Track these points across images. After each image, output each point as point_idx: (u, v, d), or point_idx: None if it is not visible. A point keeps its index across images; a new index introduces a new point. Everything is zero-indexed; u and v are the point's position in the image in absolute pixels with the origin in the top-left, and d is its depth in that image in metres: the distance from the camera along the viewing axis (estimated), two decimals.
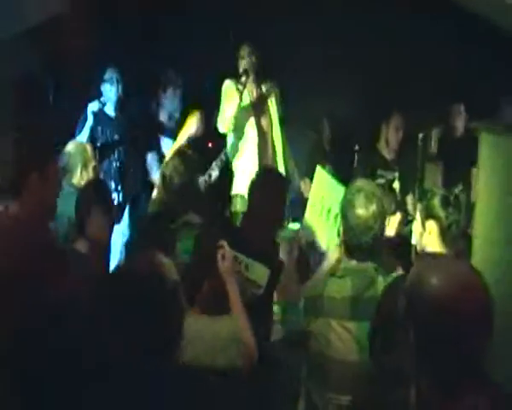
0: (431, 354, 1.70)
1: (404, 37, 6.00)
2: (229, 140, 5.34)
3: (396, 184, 5.47)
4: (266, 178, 3.76)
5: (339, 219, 3.14)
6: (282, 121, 5.36)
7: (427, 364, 1.71)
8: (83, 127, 5.46)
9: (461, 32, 5.56)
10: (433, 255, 3.17)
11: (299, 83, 6.09)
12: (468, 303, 1.65)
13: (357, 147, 5.85)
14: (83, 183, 4.18)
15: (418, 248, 3.39)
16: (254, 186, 3.66)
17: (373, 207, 2.80)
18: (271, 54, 5.47)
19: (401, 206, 5.10)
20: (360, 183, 2.98)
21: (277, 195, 3.65)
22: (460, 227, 3.33)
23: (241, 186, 5.07)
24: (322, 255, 3.62)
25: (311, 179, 4.27)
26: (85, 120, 5.48)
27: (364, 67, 6.15)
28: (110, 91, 5.52)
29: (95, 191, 3.72)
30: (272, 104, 5.30)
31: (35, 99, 5.78)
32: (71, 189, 4.07)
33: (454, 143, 5.77)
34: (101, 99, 5.55)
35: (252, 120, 5.25)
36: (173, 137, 5.51)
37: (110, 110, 5.60)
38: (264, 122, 5.29)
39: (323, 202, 3.95)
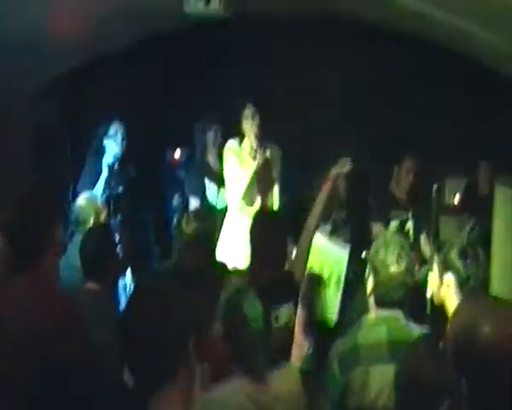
0: (483, 402, 1.70)
1: (423, 89, 6.11)
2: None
3: (409, 225, 5.44)
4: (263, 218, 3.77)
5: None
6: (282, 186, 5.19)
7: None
8: (97, 180, 5.51)
9: (478, 85, 5.63)
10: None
11: (312, 136, 6.17)
12: None
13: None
14: None
15: (435, 300, 3.37)
16: (254, 229, 3.65)
17: (404, 263, 2.89)
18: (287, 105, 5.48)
19: (414, 247, 5.06)
20: (389, 237, 3.10)
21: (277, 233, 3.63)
22: (479, 280, 3.30)
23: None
24: None
25: None
26: (99, 173, 5.53)
27: (380, 119, 6.27)
28: (116, 146, 5.58)
29: (100, 234, 3.74)
30: (275, 167, 5.07)
31: (54, 151, 5.91)
32: None
33: (479, 196, 5.78)
34: (116, 153, 5.60)
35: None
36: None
37: (122, 164, 5.68)
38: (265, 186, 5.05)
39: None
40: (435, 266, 3.40)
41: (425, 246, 5.43)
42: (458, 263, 3.27)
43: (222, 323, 2.75)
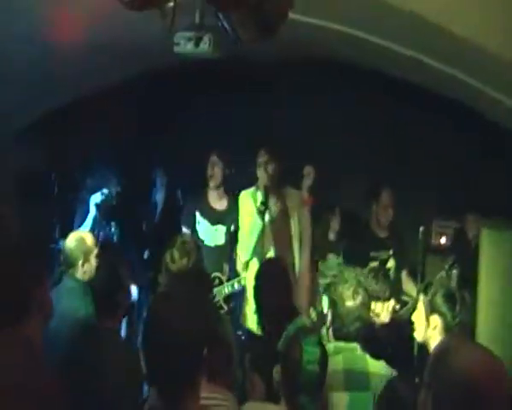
0: None
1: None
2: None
3: (391, 263, 5.46)
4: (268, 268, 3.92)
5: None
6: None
7: None
8: (85, 219, 5.56)
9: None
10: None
11: None
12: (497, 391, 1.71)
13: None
14: (86, 276, 4.17)
15: (419, 339, 3.41)
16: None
17: (360, 298, 3.11)
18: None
19: (395, 285, 5.08)
20: (347, 273, 3.25)
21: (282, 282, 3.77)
22: (464, 324, 3.35)
23: None
24: None
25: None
26: (87, 211, 5.58)
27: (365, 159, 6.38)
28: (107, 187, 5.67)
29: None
30: (294, 219, 4.92)
31: (40, 191, 5.91)
32: (74, 283, 4.09)
33: (466, 240, 5.83)
34: (104, 191, 5.64)
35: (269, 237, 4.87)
36: None
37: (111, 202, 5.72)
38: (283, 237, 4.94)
39: None
40: (421, 307, 3.45)
41: (407, 284, 5.45)
42: (444, 307, 3.33)
43: (280, 356, 2.87)
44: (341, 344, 3.12)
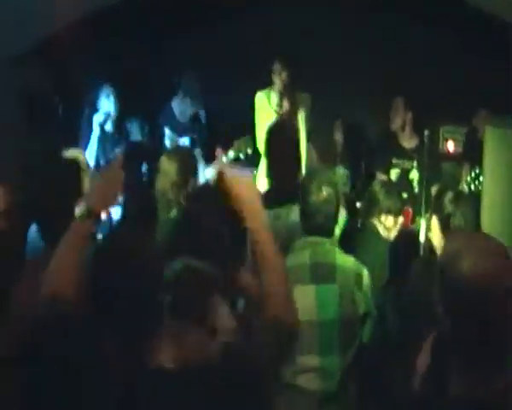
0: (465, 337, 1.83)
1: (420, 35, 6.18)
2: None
3: (414, 174, 5.54)
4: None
5: None
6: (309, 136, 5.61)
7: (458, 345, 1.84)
8: (89, 139, 5.64)
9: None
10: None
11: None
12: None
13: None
14: None
15: (424, 244, 3.51)
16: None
17: (325, 193, 3.20)
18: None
19: (417, 198, 5.17)
20: (315, 171, 3.59)
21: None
22: (466, 220, 3.41)
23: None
24: None
25: None
26: (90, 132, 5.66)
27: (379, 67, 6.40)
28: (108, 106, 5.71)
29: None
30: (302, 118, 5.52)
31: (44, 112, 5.98)
32: None
33: (477, 143, 5.84)
34: (105, 111, 5.71)
35: None
36: None
37: (109, 125, 5.81)
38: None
39: None
40: (428, 213, 3.53)
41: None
42: (450, 209, 3.40)
43: None
44: (310, 238, 3.23)
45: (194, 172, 4.39)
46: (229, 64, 6.60)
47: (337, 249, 3.25)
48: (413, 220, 4.98)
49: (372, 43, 6.41)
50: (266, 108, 5.50)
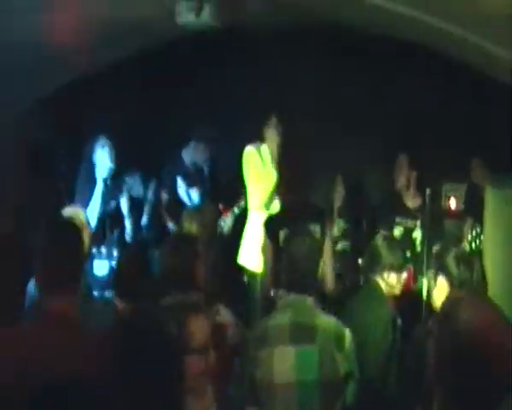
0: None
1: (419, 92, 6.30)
2: None
3: (417, 233, 5.56)
4: None
5: None
6: None
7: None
8: (91, 194, 5.64)
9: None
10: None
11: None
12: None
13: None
14: None
15: (430, 302, 3.51)
16: None
17: (304, 249, 3.22)
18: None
19: (419, 257, 5.15)
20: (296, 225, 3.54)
21: None
22: (472, 286, 3.41)
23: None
24: None
25: None
26: (93, 187, 5.67)
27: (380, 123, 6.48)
28: (104, 159, 5.71)
29: None
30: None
31: (49, 165, 6.05)
32: None
33: (478, 198, 5.88)
34: (109, 167, 5.72)
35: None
36: None
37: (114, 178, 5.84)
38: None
39: None
40: (430, 270, 3.54)
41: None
42: (453, 269, 3.41)
43: None
44: (290, 297, 3.21)
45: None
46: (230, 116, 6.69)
47: (318, 309, 3.21)
48: (415, 279, 4.98)
49: (373, 98, 6.50)
50: (258, 164, 5.42)
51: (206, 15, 4.78)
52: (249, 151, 5.45)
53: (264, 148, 5.41)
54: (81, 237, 2.93)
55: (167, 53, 6.23)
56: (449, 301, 2.07)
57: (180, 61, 6.52)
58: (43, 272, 2.74)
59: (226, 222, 5.98)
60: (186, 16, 4.74)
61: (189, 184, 6.21)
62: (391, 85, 6.33)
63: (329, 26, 5.41)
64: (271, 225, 4.72)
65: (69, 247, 2.78)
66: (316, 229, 4.37)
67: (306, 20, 5.51)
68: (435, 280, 3.51)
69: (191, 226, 4.45)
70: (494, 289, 3.57)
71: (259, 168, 5.38)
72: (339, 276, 5.50)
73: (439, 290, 3.46)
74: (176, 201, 6.22)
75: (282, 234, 4.43)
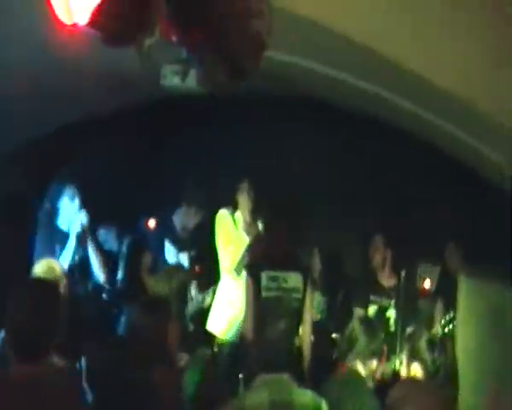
0: None
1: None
2: None
3: (391, 313, 5.56)
4: None
5: None
6: None
7: None
8: (63, 247, 5.53)
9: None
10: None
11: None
12: None
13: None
14: None
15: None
16: None
17: (281, 327, 3.33)
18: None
19: (393, 337, 5.14)
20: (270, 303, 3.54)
21: None
22: (447, 373, 3.37)
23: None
24: None
25: None
26: (64, 239, 5.56)
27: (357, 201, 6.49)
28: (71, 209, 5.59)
29: None
30: None
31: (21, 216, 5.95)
32: None
33: (451, 281, 5.86)
34: (82, 222, 5.58)
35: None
36: None
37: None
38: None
39: None
40: (403, 356, 3.49)
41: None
42: (426, 354, 3.37)
43: None
44: (268, 376, 3.24)
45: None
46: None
47: (294, 385, 3.24)
48: (388, 359, 4.92)
49: (352, 177, 6.55)
50: (230, 228, 5.50)
51: (192, 80, 4.79)
52: (222, 214, 5.57)
53: (238, 213, 5.51)
54: (58, 295, 2.87)
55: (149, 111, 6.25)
56: (397, 390, 2.05)
57: (161, 119, 6.54)
58: (13, 338, 2.66)
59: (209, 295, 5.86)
60: (171, 79, 4.74)
61: (179, 250, 6.14)
62: (369, 166, 6.41)
63: (310, 99, 5.47)
64: (254, 268, 4.76)
65: (44, 311, 2.71)
66: (298, 279, 4.47)
67: (290, 90, 5.57)
68: (409, 367, 3.46)
69: (158, 287, 4.38)
70: (467, 377, 3.53)
71: (231, 232, 5.45)
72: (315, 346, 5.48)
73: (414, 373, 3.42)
74: (159, 262, 6.15)
75: (263, 277, 4.51)
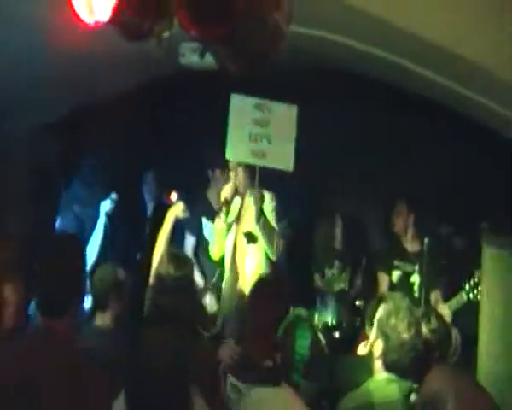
0: None
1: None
2: None
3: (415, 278, 5.52)
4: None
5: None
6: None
7: None
8: (94, 226, 5.66)
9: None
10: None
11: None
12: None
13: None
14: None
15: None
16: None
17: (413, 329, 3.03)
18: None
19: (416, 303, 5.12)
20: (398, 302, 3.16)
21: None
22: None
23: None
24: None
25: None
26: (96, 218, 5.68)
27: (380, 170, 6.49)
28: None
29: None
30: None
31: (47, 191, 6.05)
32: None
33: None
34: (113, 198, 5.73)
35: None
36: None
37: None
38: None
39: None
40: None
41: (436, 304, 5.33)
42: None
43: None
44: (394, 377, 3.06)
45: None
46: None
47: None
48: None
49: (374, 142, 6.54)
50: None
51: (210, 58, 4.80)
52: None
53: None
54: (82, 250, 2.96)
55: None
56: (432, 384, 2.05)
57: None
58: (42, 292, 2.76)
59: None
60: (189, 58, 4.77)
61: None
62: (392, 132, 6.38)
63: (333, 71, 5.43)
64: None
65: (68, 263, 2.79)
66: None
67: (315, 63, 5.54)
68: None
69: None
70: (492, 347, 3.58)
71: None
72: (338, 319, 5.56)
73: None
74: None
75: None
